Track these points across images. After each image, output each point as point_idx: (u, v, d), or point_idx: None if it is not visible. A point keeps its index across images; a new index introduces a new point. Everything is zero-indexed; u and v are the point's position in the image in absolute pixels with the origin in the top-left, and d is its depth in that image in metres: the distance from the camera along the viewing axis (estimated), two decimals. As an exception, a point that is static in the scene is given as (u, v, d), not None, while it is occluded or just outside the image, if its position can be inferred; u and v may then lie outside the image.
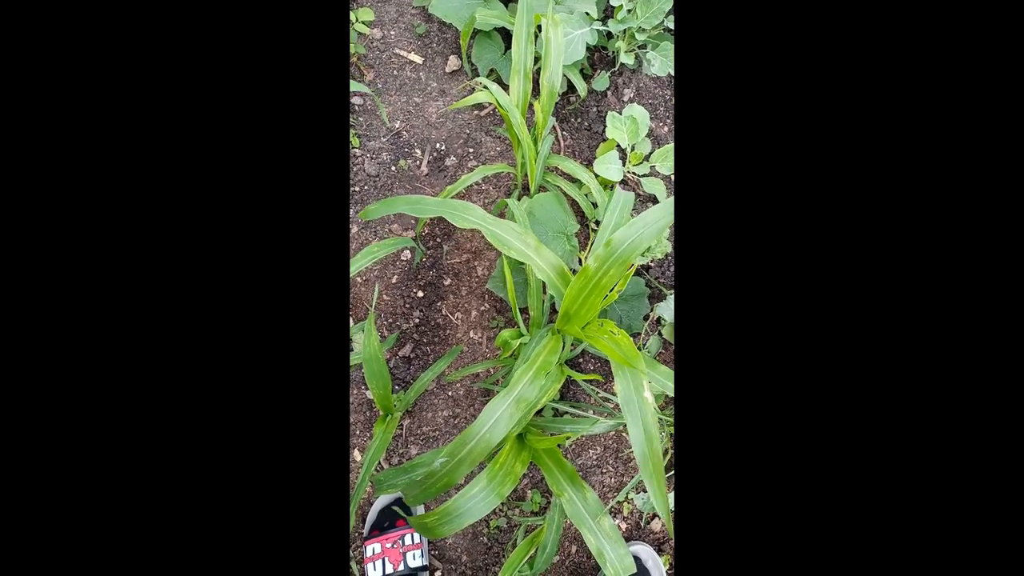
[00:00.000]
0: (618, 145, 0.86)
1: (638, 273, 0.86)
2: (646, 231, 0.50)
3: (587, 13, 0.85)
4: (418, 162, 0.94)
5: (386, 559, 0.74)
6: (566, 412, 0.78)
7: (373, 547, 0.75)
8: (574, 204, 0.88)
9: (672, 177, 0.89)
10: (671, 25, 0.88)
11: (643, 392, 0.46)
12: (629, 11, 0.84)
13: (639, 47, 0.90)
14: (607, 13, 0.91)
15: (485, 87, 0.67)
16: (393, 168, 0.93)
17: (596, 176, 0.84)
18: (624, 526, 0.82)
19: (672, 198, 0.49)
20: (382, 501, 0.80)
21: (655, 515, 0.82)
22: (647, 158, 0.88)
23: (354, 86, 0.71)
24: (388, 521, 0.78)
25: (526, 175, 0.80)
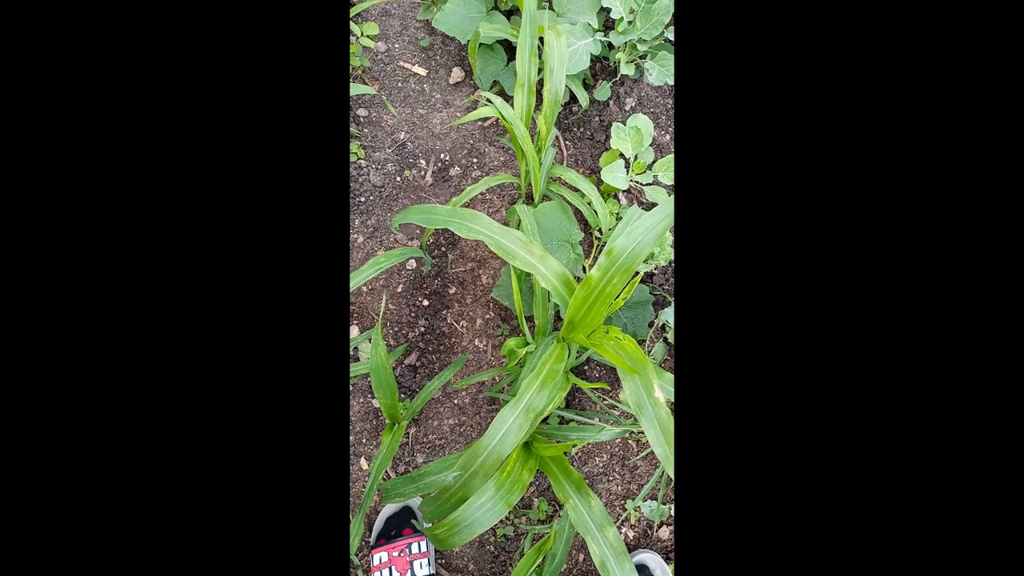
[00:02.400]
0: (621, 154, 0.87)
1: (642, 281, 0.86)
2: (646, 237, 0.50)
3: (589, 24, 0.87)
4: (422, 172, 0.95)
5: (393, 568, 0.74)
6: (572, 420, 0.79)
7: (380, 556, 0.75)
8: (577, 213, 0.89)
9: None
10: (671, 36, 0.89)
11: (654, 394, 0.46)
12: (630, 23, 0.85)
13: (640, 57, 0.91)
14: (608, 24, 0.92)
15: (489, 101, 0.68)
16: (398, 178, 0.94)
17: (600, 184, 0.85)
18: (632, 534, 0.82)
19: (668, 201, 0.50)
20: (389, 510, 0.80)
21: (663, 522, 0.82)
22: (650, 167, 0.88)
23: (361, 88, 0.72)
24: (395, 530, 0.78)
25: (530, 185, 0.81)
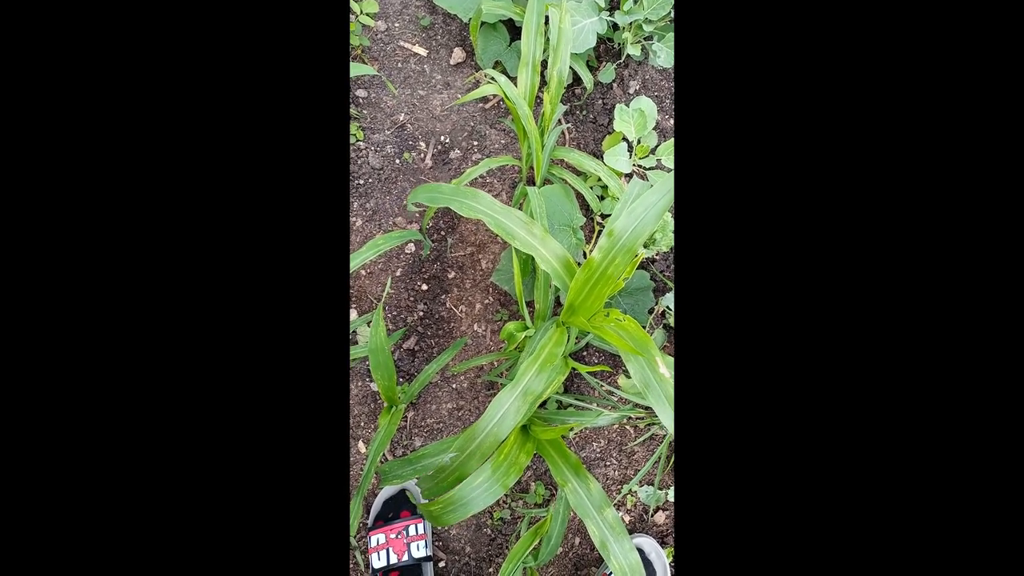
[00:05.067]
0: (624, 138, 0.86)
1: (643, 266, 0.86)
2: (647, 215, 0.49)
3: (595, 2, 0.85)
4: (422, 155, 0.94)
5: (390, 549, 0.75)
6: (570, 405, 0.78)
7: (377, 538, 0.76)
8: (579, 197, 0.88)
9: (678, 170, 0.89)
10: (678, 17, 0.87)
11: (659, 370, 0.46)
12: (636, 2, 0.83)
13: (645, 39, 0.89)
14: (613, 4, 0.90)
15: (492, 79, 0.67)
16: (397, 161, 0.93)
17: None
18: (628, 518, 0.82)
19: (667, 178, 0.49)
20: (386, 492, 0.81)
21: (659, 507, 0.82)
22: (653, 151, 0.87)
23: (361, 68, 0.71)
24: (392, 512, 0.79)
25: (531, 168, 0.80)
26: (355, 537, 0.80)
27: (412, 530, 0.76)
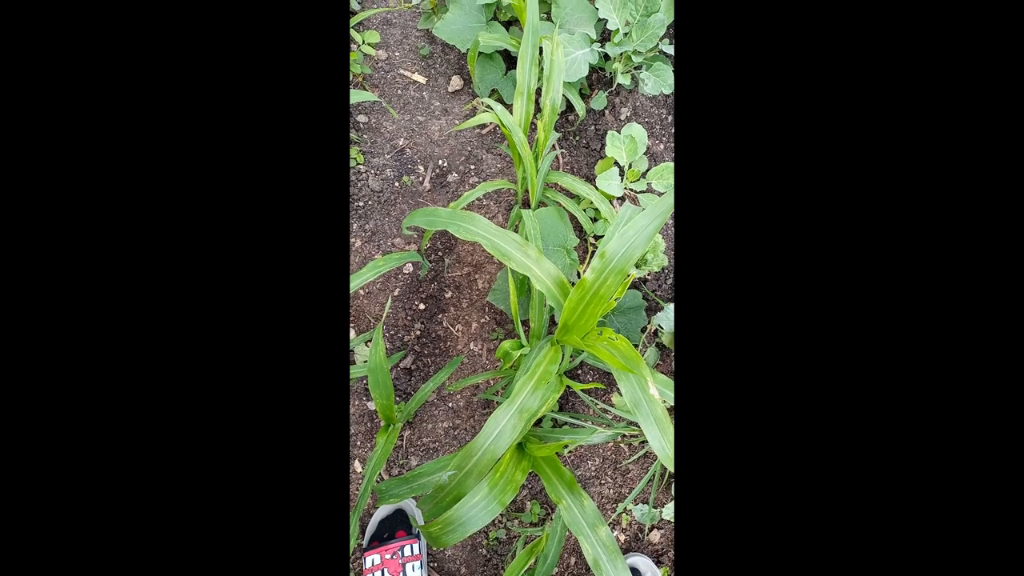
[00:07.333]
0: (616, 162, 0.89)
1: (635, 286, 0.88)
2: (637, 238, 0.51)
3: (587, 35, 0.89)
4: (421, 178, 0.96)
5: (385, 570, 0.74)
6: (565, 423, 0.79)
7: (373, 558, 0.75)
8: (573, 219, 0.91)
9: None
10: (665, 48, 0.91)
11: (648, 391, 0.47)
12: (626, 34, 0.87)
13: (635, 68, 0.93)
14: (604, 36, 0.94)
15: (489, 108, 0.70)
16: (396, 184, 0.96)
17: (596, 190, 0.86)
18: (623, 537, 0.82)
19: (658, 202, 0.51)
20: (382, 512, 0.81)
21: (654, 526, 0.82)
22: (644, 175, 0.90)
23: (362, 95, 0.73)
24: (388, 532, 0.78)
25: (527, 191, 0.82)
26: (350, 558, 0.79)
27: (408, 550, 0.76)
